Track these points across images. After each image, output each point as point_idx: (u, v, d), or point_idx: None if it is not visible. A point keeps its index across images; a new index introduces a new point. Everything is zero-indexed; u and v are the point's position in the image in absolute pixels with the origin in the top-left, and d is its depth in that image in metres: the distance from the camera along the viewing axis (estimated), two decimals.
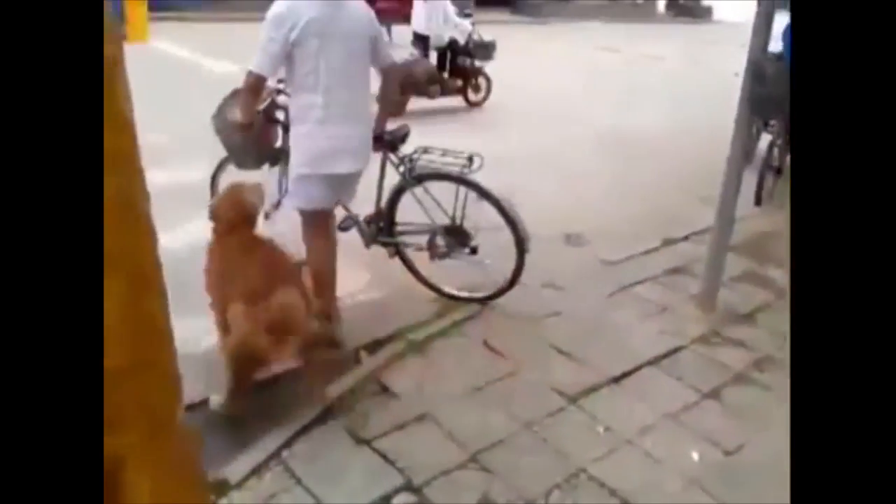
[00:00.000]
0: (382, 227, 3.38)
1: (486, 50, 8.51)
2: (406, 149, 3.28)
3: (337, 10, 2.71)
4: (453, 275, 3.51)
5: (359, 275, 3.71)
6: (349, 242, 3.53)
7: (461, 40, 8.34)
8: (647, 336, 3.22)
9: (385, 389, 2.72)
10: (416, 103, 7.92)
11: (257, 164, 3.28)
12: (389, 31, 12.42)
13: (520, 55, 12.18)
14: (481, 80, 8.62)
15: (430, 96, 8.06)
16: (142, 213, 0.96)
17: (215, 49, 9.69)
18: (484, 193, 3.16)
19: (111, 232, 0.85)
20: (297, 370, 2.84)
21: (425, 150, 3.23)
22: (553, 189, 5.29)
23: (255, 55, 2.69)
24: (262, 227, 3.11)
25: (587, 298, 3.56)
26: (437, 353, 2.98)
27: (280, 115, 3.20)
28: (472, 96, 8.60)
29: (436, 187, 3.28)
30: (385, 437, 2.45)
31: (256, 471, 2.29)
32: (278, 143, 3.26)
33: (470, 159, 3.16)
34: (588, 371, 2.92)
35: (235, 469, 2.28)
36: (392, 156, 3.24)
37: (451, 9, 8.34)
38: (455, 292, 3.49)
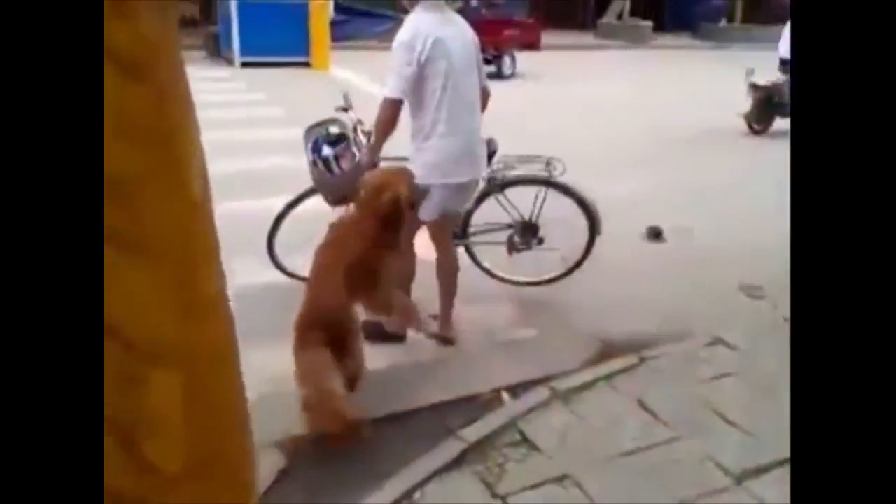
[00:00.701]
0: (457, 232, 3.52)
1: None
2: None
3: (455, 31, 2.90)
4: (515, 265, 3.76)
5: (508, 312, 3.59)
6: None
7: None
8: None
9: (525, 440, 2.54)
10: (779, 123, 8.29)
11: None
12: (513, 58, 12.15)
13: (693, 83, 11.49)
14: None
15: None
16: (202, 295, 0.86)
17: None
18: (568, 191, 3.55)
19: (160, 319, 0.77)
20: (434, 405, 2.79)
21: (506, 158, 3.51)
22: (731, 230, 4.83)
23: (389, 81, 2.81)
24: None
25: (765, 361, 3.13)
26: (585, 406, 2.75)
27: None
28: None
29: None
30: (521, 494, 2.27)
31: None
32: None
33: (548, 163, 3.51)
34: (760, 447, 2.53)
35: None
36: None
37: None
38: (519, 279, 3.76)
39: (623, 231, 4.76)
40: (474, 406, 2.79)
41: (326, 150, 3.10)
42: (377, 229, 2.59)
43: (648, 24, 18.90)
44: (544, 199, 3.56)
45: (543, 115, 8.65)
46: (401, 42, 2.79)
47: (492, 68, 11.40)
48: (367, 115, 3.29)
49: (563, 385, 2.87)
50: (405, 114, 2.93)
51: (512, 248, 3.67)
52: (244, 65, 10.86)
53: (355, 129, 3.20)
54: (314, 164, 3.15)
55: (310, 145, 3.16)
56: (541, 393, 2.83)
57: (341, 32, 13.82)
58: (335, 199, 3.23)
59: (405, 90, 2.81)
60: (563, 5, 20.25)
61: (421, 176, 2.94)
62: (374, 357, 3.10)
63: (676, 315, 3.58)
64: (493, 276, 3.78)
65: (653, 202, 5.34)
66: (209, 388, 0.86)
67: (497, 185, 3.50)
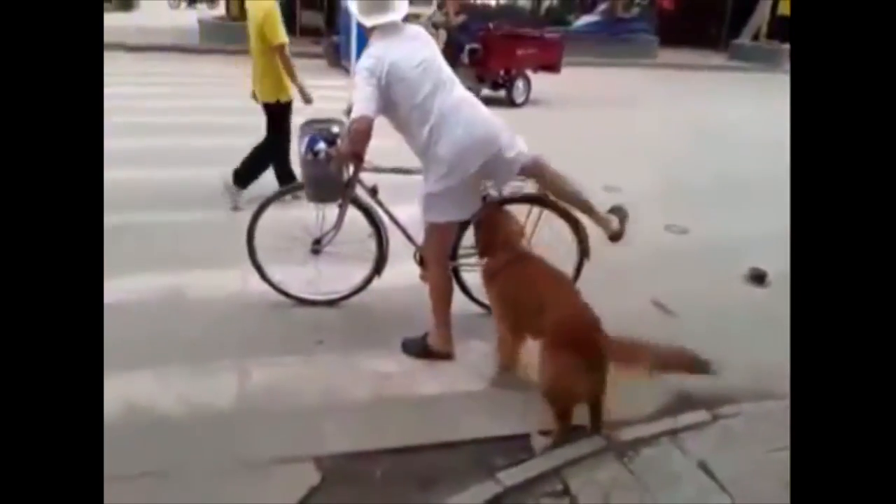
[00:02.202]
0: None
1: None
2: None
3: (410, 43, 2.94)
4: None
5: None
6: None
7: None
8: None
9: (566, 492, 2.35)
10: None
11: (335, 198, 3.38)
12: (528, 81, 10.30)
13: None
14: None
15: None
16: None
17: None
18: (562, 212, 3.38)
19: None
20: (480, 440, 2.67)
21: None
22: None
23: (354, 105, 2.85)
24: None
25: None
26: (640, 462, 2.52)
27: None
28: None
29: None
30: None
31: None
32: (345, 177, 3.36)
33: None
34: None
35: None
36: None
37: None
38: None
39: (723, 272, 4.42)
40: (521, 446, 2.64)
41: (321, 145, 3.19)
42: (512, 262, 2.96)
43: (785, 47, 17.71)
44: (538, 220, 3.39)
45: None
46: (361, 69, 2.87)
47: (500, 94, 10.13)
48: None
49: (622, 436, 2.66)
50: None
51: None
52: None
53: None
54: (306, 156, 3.22)
55: (306, 139, 3.23)
56: (595, 441, 2.63)
57: None
58: (317, 196, 3.33)
59: (372, 108, 2.84)
60: (696, 23, 19.38)
61: (436, 181, 2.99)
62: (424, 380, 3.04)
63: (767, 371, 3.23)
64: (477, 302, 3.60)
65: (764, 243, 4.91)
66: None
67: (491, 204, 3.32)
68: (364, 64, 2.87)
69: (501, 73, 10.10)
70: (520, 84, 10.19)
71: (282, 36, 4.79)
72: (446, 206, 3.07)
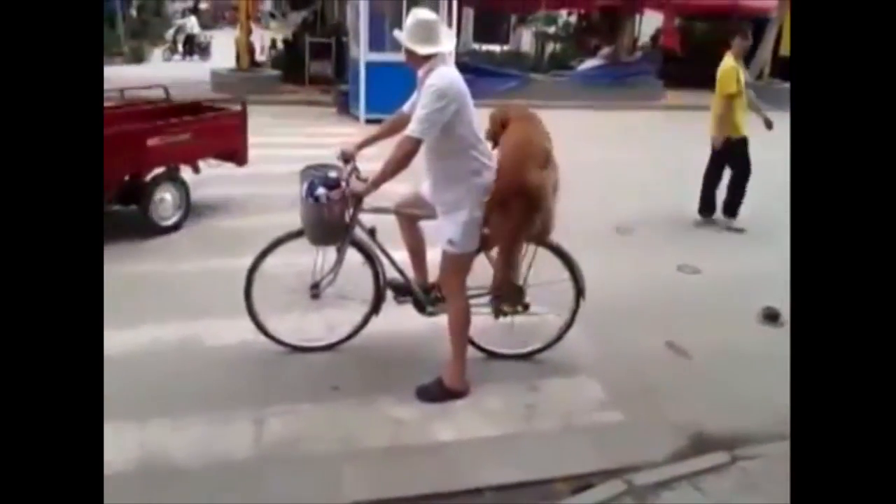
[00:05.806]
0: (440, 296, 3.46)
1: None
2: None
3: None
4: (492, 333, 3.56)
5: (595, 389, 3.39)
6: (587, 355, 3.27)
7: None
8: None
9: None
10: None
11: (336, 240, 3.39)
12: (184, 188, 5.41)
13: None
14: None
15: None
16: None
17: None
18: (557, 251, 3.42)
19: None
20: (499, 487, 2.66)
21: None
22: None
23: (418, 123, 2.90)
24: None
25: None
26: None
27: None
28: None
29: None
30: None
31: None
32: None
33: None
34: None
35: None
36: None
37: None
38: (503, 350, 3.64)
39: (737, 311, 4.42)
40: (540, 492, 2.64)
41: (321, 191, 3.21)
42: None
43: (786, 85, 17.94)
44: (533, 260, 3.36)
45: None
46: (439, 90, 2.90)
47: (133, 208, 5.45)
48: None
49: (641, 480, 2.64)
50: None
51: (499, 312, 3.45)
52: (368, 121, 11.40)
53: (349, 176, 3.32)
54: (306, 201, 3.24)
55: (305, 185, 3.26)
56: (614, 486, 2.62)
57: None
58: (319, 239, 3.34)
59: (429, 134, 2.93)
60: (700, 64, 19.64)
61: (473, 209, 3.08)
62: (440, 426, 3.05)
63: (784, 411, 3.20)
64: (477, 347, 3.55)
65: (776, 282, 4.90)
66: None
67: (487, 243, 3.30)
68: (437, 83, 2.91)
69: (126, 178, 5.35)
70: (166, 194, 5.50)
71: (732, 87, 5.92)
72: (476, 235, 3.15)
